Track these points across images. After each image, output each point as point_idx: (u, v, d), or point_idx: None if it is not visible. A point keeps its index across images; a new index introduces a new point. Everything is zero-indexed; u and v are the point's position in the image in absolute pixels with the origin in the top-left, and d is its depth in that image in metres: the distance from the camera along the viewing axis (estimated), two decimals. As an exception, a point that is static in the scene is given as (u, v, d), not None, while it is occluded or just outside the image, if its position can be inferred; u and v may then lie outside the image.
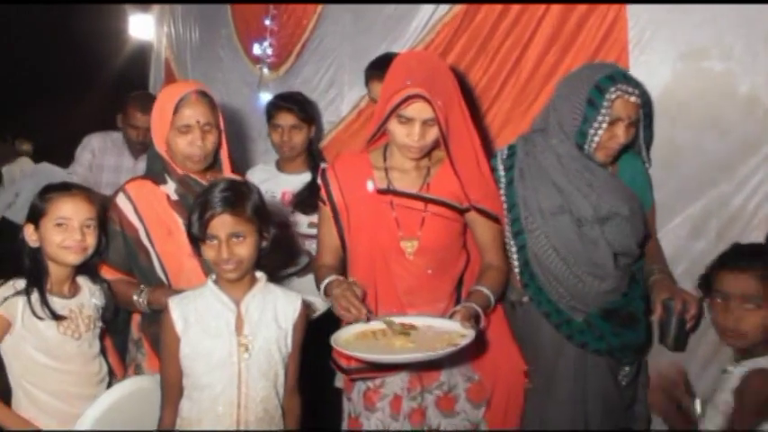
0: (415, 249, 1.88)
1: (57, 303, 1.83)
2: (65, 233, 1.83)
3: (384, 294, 1.90)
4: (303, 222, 2.63)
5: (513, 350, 1.97)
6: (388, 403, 1.90)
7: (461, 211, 1.91)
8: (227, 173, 2.05)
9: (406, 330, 1.74)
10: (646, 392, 2.06)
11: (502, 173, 2.05)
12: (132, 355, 2.09)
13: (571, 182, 1.93)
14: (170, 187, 1.99)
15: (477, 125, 1.92)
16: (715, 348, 2.09)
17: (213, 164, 2.05)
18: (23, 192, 4.42)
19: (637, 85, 1.88)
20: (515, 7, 2.49)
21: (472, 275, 1.96)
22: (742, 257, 1.73)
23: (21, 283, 1.81)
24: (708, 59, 2.15)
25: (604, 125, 1.86)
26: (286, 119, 2.67)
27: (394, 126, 1.83)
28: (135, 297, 1.93)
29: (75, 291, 1.91)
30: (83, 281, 1.93)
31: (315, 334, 1.84)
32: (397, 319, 1.79)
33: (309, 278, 2.09)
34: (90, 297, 1.92)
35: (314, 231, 2.26)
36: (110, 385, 1.92)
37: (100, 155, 3.31)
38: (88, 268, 1.94)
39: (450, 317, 1.76)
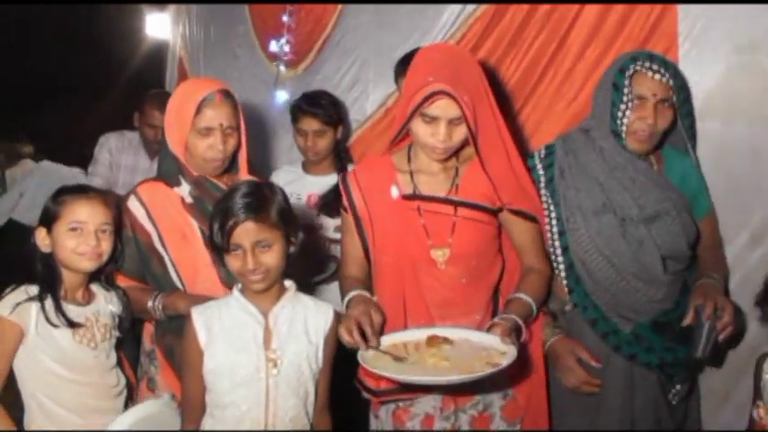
0: (446, 258, 1.76)
1: (72, 311, 1.74)
2: (79, 238, 1.75)
3: (413, 308, 1.78)
4: (330, 226, 2.52)
5: (539, 360, 1.87)
6: (419, 422, 1.80)
7: (494, 213, 1.79)
8: (244, 175, 1.96)
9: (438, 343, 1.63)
10: (697, 415, 1.96)
11: (541, 172, 1.98)
12: (145, 368, 1.99)
13: (614, 177, 1.86)
14: (184, 189, 1.91)
15: (508, 122, 1.82)
16: (747, 360, 1.93)
17: (230, 166, 1.96)
18: (27, 191, 4.42)
19: (664, 63, 1.83)
20: (550, -2, 2.39)
21: (508, 283, 1.85)
22: None
23: (33, 289, 1.73)
24: (763, 53, 2.05)
25: (630, 105, 1.82)
26: (310, 124, 2.57)
27: (417, 126, 1.70)
28: (150, 303, 1.84)
29: (89, 298, 1.83)
30: (96, 288, 1.85)
31: (344, 348, 1.72)
32: (432, 331, 1.68)
33: (337, 285, 1.98)
34: (106, 304, 1.84)
35: (340, 236, 2.16)
36: (128, 399, 1.85)
37: (117, 154, 3.29)
38: (101, 276, 1.86)
39: (488, 330, 1.64)
